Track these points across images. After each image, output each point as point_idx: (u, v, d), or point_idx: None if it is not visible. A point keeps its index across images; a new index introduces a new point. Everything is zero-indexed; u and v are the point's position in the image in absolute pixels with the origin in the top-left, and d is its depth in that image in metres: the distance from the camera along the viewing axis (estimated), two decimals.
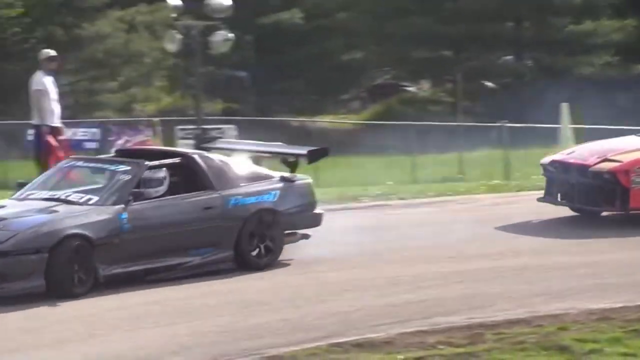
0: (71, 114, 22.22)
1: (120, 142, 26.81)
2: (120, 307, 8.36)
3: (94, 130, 26.19)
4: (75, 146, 18.96)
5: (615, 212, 10.55)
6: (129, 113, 32.02)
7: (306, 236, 9.81)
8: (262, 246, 9.38)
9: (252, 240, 9.34)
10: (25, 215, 8.90)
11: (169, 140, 23.44)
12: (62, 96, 14.55)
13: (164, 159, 9.61)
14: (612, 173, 10.20)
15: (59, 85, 14.15)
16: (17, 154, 23.42)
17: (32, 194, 9.65)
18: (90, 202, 9.03)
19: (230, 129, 24.68)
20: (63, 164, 10.42)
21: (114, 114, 31.16)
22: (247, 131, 25.27)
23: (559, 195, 10.84)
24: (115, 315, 8.12)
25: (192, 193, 9.29)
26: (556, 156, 11.21)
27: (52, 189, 9.65)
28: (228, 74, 33.11)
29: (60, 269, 8.50)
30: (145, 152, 10.53)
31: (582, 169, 10.49)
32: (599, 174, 10.31)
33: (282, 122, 26.21)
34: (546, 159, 11.20)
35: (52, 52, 13.91)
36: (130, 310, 8.27)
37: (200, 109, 23.97)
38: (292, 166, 9.98)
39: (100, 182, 9.57)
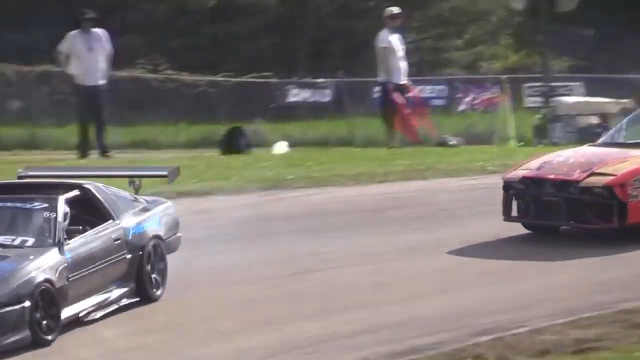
0: (417, 72, 22.66)
1: (467, 99, 26.89)
2: (468, 265, 8.45)
3: (441, 87, 26.52)
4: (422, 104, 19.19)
5: (610, 228, 9.78)
6: (475, 70, 32.05)
7: None
8: (153, 277, 8.85)
9: (150, 271, 8.84)
10: None
11: (517, 97, 23.22)
12: (408, 54, 14.79)
13: (52, 190, 8.83)
14: (609, 187, 9.63)
15: (405, 42, 14.42)
16: (363, 111, 24.35)
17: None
18: (28, 245, 8.17)
19: (578, 86, 23.84)
20: None
21: (460, 72, 31.45)
22: (594, 89, 24.27)
23: (532, 213, 10.10)
24: (464, 271, 8.28)
25: (101, 226, 8.60)
26: (526, 172, 10.33)
27: None
28: (575, 31, 31.93)
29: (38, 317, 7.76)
30: (29, 185, 9.28)
31: (566, 184, 9.88)
32: (589, 189, 9.75)
33: (631, 80, 24.72)
34: (512, 175, 10.31)
35: (396, 10, 14.16)
36: (480, 267, 8.44)
37: (547, 67, 23.49)
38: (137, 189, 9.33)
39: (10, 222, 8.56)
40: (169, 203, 9.60)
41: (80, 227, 8.51)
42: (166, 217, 9.29)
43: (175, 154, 22.03)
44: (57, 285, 7.90)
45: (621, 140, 10.76)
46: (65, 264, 8.08)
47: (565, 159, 10.39)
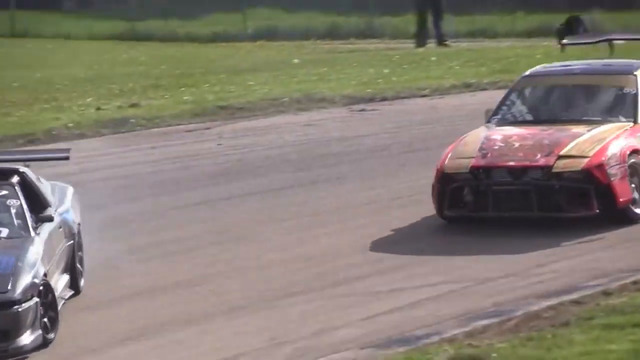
0: None
1: None
2: None
3: None
4: None
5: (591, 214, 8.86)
6: None
7: None
8: (79, 267, 8.01)
9: (79, 261, 8.04)
10: None
11: None
12: None
13: None
14: (587, 171, 8.82)
15: None
16: None
17: None
18: (3, 236, 7.20)
19: None
20: None
21: None
22: None
23: (490, 205, 9.01)
24: None
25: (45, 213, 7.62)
26: (473, 161, 9.10)
27: None
28: None
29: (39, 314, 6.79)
30: None
31: (532, 170, 8.94)
32: (562, 175, 8.88)
33: None
34: (453, 166, 9.11)
35: None
36: None
37: None
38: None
39: None
40: (71, 187, 8.74)
41: (51, 214, 7.62)
42: (75, 203, 8.50)
43: (512, 43, 21.95)
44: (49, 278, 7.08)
45: (528, 118, 10.01)
46: (43, 255, 7.15)
47: (507, 143, 9.33)
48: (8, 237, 7.15)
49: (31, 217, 7.33)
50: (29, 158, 8.36)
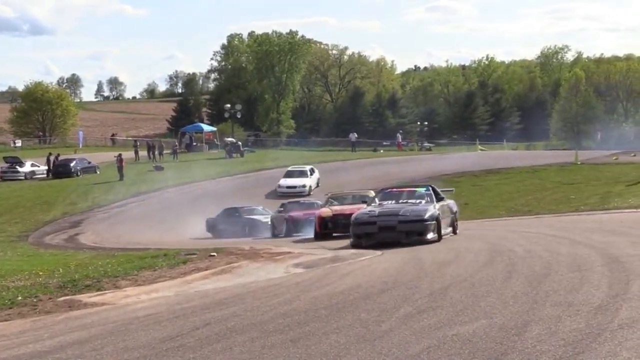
0: None
1: None
2: None
3: None
4: None
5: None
6: None
7: None
8: None
9: None
10: (410, 205, 20.05)
11: None
12: None
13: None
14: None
15: None
16: None
17: (383, 203, 20.83)
18: (423, 203, 20.51)
19: None
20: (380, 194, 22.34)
21: None
22: None
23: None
24: None
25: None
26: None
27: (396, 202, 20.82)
28: None
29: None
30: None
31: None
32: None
33: None
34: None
35: None
36: None
37: None
38: None
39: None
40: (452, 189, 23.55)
41: (442, 196, 22.21)
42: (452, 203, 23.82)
43: None
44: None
45: None
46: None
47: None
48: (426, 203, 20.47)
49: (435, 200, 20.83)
50: None
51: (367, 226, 19.34)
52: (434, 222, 19.30)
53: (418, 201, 20.36)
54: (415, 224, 19.10)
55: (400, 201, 20.54)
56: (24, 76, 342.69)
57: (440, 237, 19.36)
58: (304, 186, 43.00)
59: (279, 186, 43.40)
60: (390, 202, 20.70)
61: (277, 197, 40.45)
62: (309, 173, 45.75)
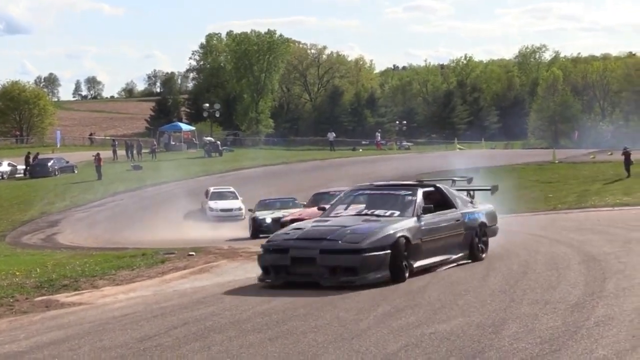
0: None
1: None
2: None
3: None
4: None
5: None
6: None
7: None
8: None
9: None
10: (358, 224, 12.57)
11: None
12: None
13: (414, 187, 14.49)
14: None
15: None
16: None
17: (338, 214, 14.00)
18: (395, 215, 13.21)
19: None
20: (347, 193, 15.18)
21: None
22: None
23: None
24: None
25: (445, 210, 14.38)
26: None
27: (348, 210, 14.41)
28: None
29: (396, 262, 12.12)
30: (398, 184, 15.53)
31: None
32: None
33: None
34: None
35: None
36: None
37: None
38: None
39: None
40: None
41: (432, 206, 13.59)
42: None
43: None
44: (412, 241, 12.59)
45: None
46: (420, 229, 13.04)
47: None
48: (397, 217, 13.20)
49: (419, 207, 13.49)
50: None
51: (276, 255, 12.28)
52: (384, 253, 11.83)
53: (389, 212, 13.17)
54: (344, 255, 11.76)
55: (364, 211, 13.56)
56: (0, 75, 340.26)
57: (402, 275, 12.01)
58: (240, 209, 37.57)
59: (211, 209, 37.76)
60: (348, 211, 14.06)
61: (206, 219, 36.93)
62: (237, 194, 39.43)
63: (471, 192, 15.79)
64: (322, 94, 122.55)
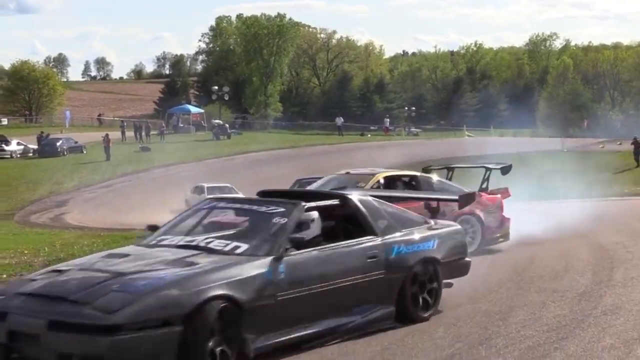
0: None
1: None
2: None
3: None
4: None
5: None
6: None
7: None
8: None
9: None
10: (151, 270, 6.88)
11: None
12: None
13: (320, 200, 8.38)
14: None
15: None
16: None
17: (165, 239, 8.01)
18: (238, 252, 7.33)
19: None
20: (202, 204, 8.76)
21: None
22: None
23: None
24: None
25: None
26: None
27: (189, 233, 8.03)
28: None
29: (197, 346, 6.44)
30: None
31: None
32: None
33: None
34: None
35: None
36: None
37: None
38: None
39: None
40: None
41: (319, 234, 7.90)
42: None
43: None
44: (247, 305, 6.82)
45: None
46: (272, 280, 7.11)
47: None
48: (242, 254, 7.36)
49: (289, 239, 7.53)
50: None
51: None
52: (165, 332, 6.36)
53: (232, 245, 7.55)
54: (82, 335, 6.25)
55: (196, 241, 7.80)
56: (10, 55, 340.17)
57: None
58: None
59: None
60: (191, 234, 8.17)
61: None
62: (236, 190, 34.39)
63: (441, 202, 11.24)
64: (331, 79, 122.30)
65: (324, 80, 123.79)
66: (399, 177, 14.76)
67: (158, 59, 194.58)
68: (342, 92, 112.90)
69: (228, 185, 35.20)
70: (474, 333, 7.57)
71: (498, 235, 14.75)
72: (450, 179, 15.92)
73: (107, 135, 54.11)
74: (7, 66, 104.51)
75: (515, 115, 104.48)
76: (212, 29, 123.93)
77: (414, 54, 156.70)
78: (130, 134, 67.53)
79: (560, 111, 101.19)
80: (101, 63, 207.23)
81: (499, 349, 6.99)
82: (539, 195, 31.09)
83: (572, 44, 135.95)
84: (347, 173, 14.77)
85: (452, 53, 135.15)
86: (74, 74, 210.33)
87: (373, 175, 14.24)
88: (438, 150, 54.26)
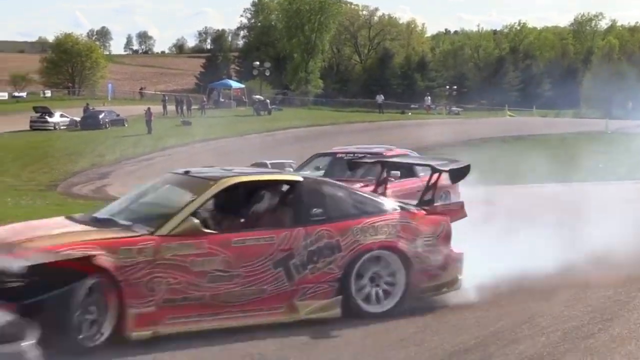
0: None
1: None
2: None
3: None
4: None
5: None
6: None
7: None
8: None
9: None
10: None
11: None
12: None
13: None
14: None
15: None
16: None
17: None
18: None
19: None
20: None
21: None
22: None
23: None
24: None
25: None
26: None
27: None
28: None
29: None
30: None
31: None
32: None
33: None
34: None
35: None
36: None
37: None
38: None
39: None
40: None
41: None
42: None
43: None
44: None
45: None
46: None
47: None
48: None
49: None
50: None
51: None
52: None
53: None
54: None
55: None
56: (54, 27, 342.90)
57: None
58: None
59: None
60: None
61: None
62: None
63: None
64: (372, 56, 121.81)
65: (365, 58, 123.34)
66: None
67: (200, 34, 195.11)
68: (383, 69, 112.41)
69: (291, 161, 34.72)
70: (517, 312, 7.54)
71: (437, 282, 8.21)
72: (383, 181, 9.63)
73: (149, 108, 54.43)
74: (50, 39, 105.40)
75: (558, 96, 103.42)
76: (254, 4, 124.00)
77: (456, 32, 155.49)
78: (171, 108, 67.92)
79: (604, 92, 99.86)
80: (143, 37, 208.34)
81: (543, 327, 6.96)
82: (581, 178, 30.77)
83: (618, 24, 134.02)
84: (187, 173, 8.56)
85: (495, 32, 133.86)
86: (116, 47, 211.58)
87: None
88: (481, 128, 53.87)
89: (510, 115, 76.30)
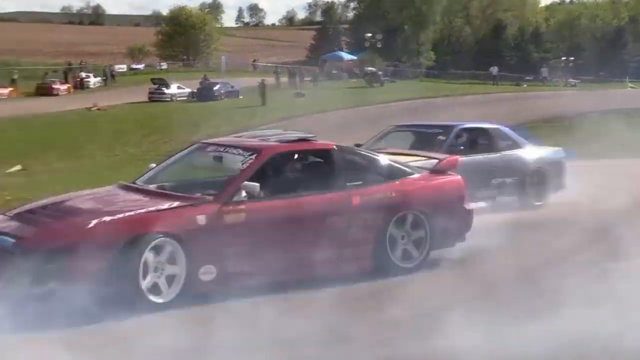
0: None
1: None
2: None
3: None
4: None
5: None
6: None
7: None
8: None
9: None
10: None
11: None
12: None
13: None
14: None
15: None
16: None
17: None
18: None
19: None
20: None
21: None
22: None
23: None
24: None
25: None
26: None
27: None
28: None
29: None
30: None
31: None
32: None
33: None
34: None
35: None
36: None
37: None
38: None
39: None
40: None
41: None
42: None
43: None
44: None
45: None
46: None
47: None
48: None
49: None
50: None
51: None
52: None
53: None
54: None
55: None
56: (168, 1, 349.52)
57: None
58: None
59: None
60: None
61: None
62: None
63: None
64: (484, 28, 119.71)
65: (477, 29, 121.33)
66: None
67: (309, 6, 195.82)
68: (496, 41, 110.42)
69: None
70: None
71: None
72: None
73: (263, 80, 54.90)
74: (165, 12, 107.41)
75: None
76: None
77: (572, 2, 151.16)
78: (284, 79, 68.40)
79: None
80: (254, 9, 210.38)
81: None
82: None
83: None
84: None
85: (613, 1, 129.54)
86: (228, 20, 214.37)
87: None
88: (602, 100, 52.17)
89: (631, 87, 73.80)
